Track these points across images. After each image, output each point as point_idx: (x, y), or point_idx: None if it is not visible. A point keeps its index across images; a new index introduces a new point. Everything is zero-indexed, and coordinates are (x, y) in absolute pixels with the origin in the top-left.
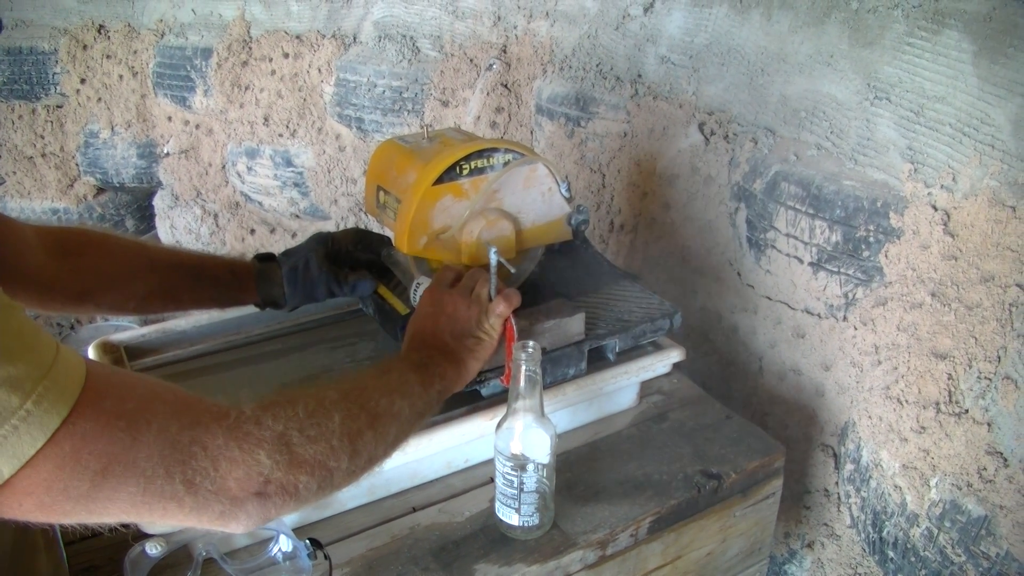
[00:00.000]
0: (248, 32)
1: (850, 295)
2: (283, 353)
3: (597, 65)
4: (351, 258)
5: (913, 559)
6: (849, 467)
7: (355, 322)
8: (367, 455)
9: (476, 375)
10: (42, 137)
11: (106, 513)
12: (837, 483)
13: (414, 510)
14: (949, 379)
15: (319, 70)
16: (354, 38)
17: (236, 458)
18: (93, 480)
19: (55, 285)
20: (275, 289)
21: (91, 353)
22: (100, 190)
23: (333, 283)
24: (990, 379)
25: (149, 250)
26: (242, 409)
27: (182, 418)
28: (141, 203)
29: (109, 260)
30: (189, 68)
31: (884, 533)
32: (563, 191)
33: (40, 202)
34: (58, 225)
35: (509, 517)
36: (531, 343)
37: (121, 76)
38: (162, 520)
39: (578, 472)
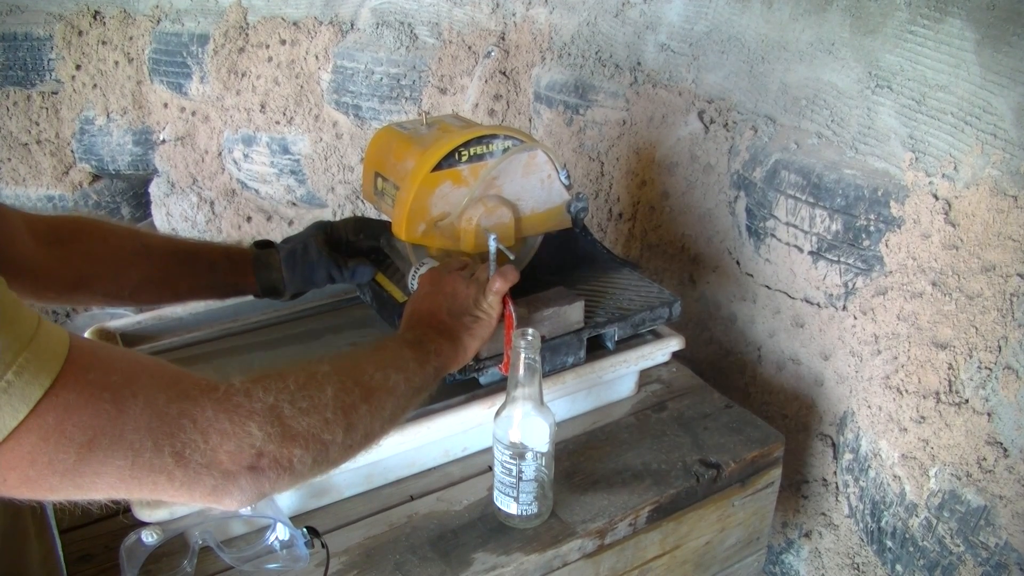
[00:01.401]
0: (245, 18)
1: (850, 284)
2: (280, 341)
3: (596, 52)
4: (351, 246)
5: (911, 549)
6: (848, 457)
7: (352, 310)
8: (363, 429)
9: (474, 355)
10: (37, 124)
11: (94, 488)
12: (835, 473)
13: (412, 498)
14: (949, 369)
15: (316, 57)
16: (351, 25)
17: (227, 430)
18: (79, 453)
19: (48, 274)
20: (273, 274)
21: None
22: (95, 177)
23: (332, 268)
24: (991, 369)
25: (143, 236)
26: (231, 382)
27: (169, 390)
28: (137, 190)
29: (102, 246)
30: (185, 55)
31: (883, 523)
32: (562, 178)
33: (35, 189)
34: (50, 213)
35: (507, 506)
36: (530, 331)
37: (117, 62)
38: (152, 495)
39: (577, 461)
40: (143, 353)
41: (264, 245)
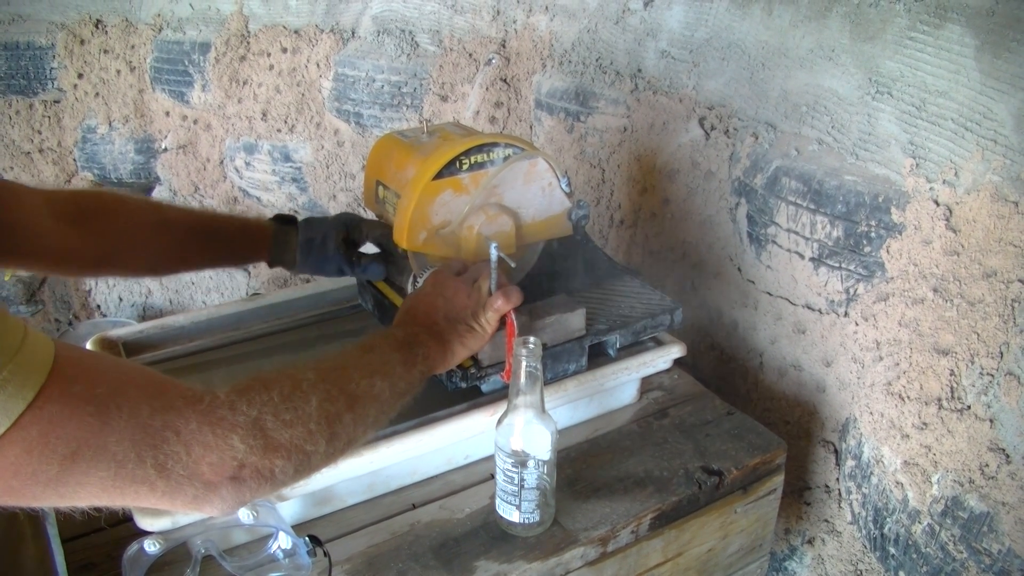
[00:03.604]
0: (246, 27)
1: (851, 290)
2: (282, 349)
3: (597, 60)
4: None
5: (914, 556)
6: (850, 463)
7: (354, 318)
8: (346, 437)
9: (460, 362)
10: (39, 132)
11: (77, 497)
12: (838, 479)
13: (414, 507)
14: (951, 375)
15: (317, 65)
16: (352, 33)
17: (209, 443)
18: (62, 464)
19: (69, 252)
20: (288, 255)
21: (89, 348)
22: (98, 185)
23: (345, 264)
24: (992, 375)
25: (163, 211)
26: (216, 393)
27: (154, 402)
28: None
29: (123, 224)
30: (187, 63)
31: (885, 529)
32: (563, 186)
33: None
34: (72, 189)
35: (510, 514)
36: (532, 339)
37: (119, 71)
38: (135, 504)
39: (579, 468)
40: (130, 361)
41: (284, 220)
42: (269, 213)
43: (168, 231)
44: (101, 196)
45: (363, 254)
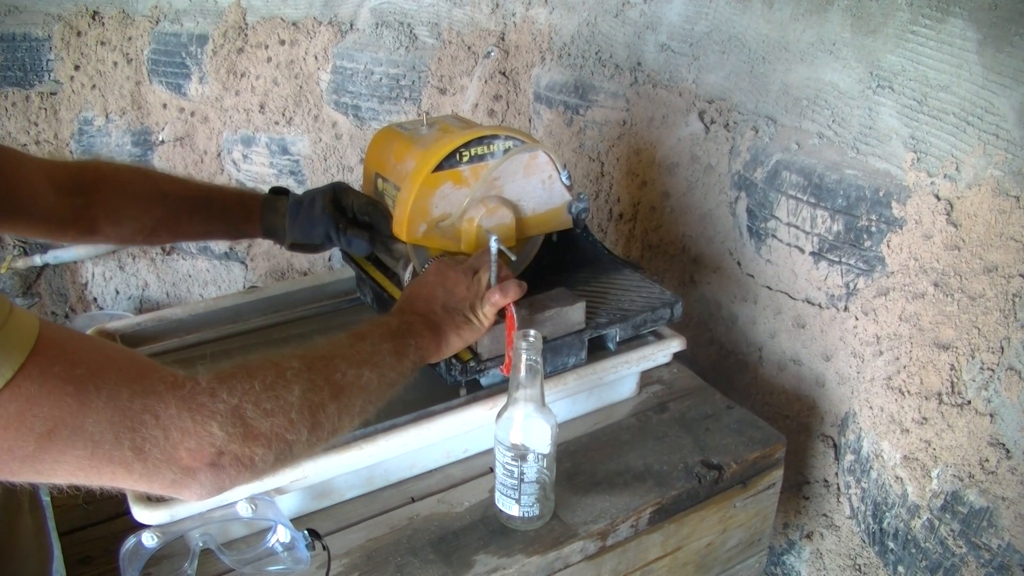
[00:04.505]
0: (244, 18)
1: (851, 285)
2: (280, 342)
3: (596, 53)
4: (356, 219)
5: (914, 550)
6: (849, 458)
7: (353, 311)
8: (329, 427)
9: (456, 352)
10: (36, 124)
11: (54, 474)
12: (837, 474)
13: (413, 500)
14: (951, 370)
15: (315, 57)
16: (351, 25)
17: (188, 429)
18: (39, 442)
19: (66, 221)
20: (277, 219)
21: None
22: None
23: (332, 229)
24: (993, 370)
25: (161, 183)
26: (198, 380)
27: (134, 385)
28: None
29: (120, 197)
30: (184, 55)
31: (884, 524)
32: (564, 179)
33: None
34: (73, 160)
35: (509, 507)
36: (532, 332)
37: (115, 63)
38: (113, 484)
39: (578, 462)
40: (115, 344)
41: (277, 191)
42: None
43: (164, 205)
44: (99, 170)
45: (351, 224)
